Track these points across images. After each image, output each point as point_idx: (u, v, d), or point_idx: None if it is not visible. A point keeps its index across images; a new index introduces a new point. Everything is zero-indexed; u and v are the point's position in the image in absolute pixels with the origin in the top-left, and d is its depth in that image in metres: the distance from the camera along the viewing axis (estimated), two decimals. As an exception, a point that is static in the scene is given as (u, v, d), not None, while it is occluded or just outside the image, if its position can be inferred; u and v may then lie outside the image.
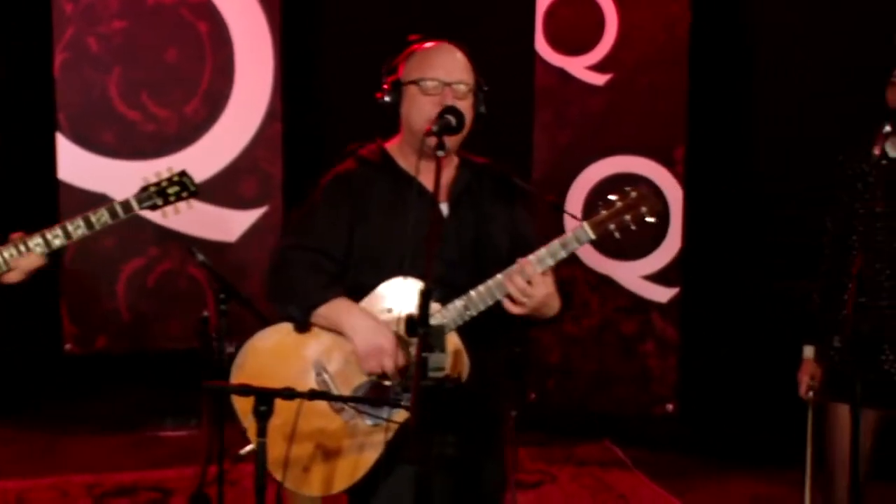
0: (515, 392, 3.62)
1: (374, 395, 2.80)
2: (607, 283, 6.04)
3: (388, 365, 2.78)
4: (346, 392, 2.82)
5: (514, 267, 2.74)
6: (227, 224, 6.54)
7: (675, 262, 5.91)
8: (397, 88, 2.89)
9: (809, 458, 3.58)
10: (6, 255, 2.95)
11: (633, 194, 2.80)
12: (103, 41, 6.37)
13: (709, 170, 5.82)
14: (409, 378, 2.69)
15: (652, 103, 5.87)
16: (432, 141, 2.70)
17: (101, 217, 3.01)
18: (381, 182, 2.92)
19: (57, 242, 2.99)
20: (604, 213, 2.79)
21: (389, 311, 2.83)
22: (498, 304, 2.77)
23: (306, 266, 2.88)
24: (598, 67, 5.97)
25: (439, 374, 2.44)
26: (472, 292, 2.77)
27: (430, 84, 2.85)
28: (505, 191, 3.00)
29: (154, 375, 6.45)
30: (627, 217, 2.78)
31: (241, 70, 6.55)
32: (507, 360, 3.26)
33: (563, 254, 2.77)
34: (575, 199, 5.96)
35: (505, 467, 3.10)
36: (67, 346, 6.45)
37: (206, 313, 3.96)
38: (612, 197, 2.80)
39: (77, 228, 3.00)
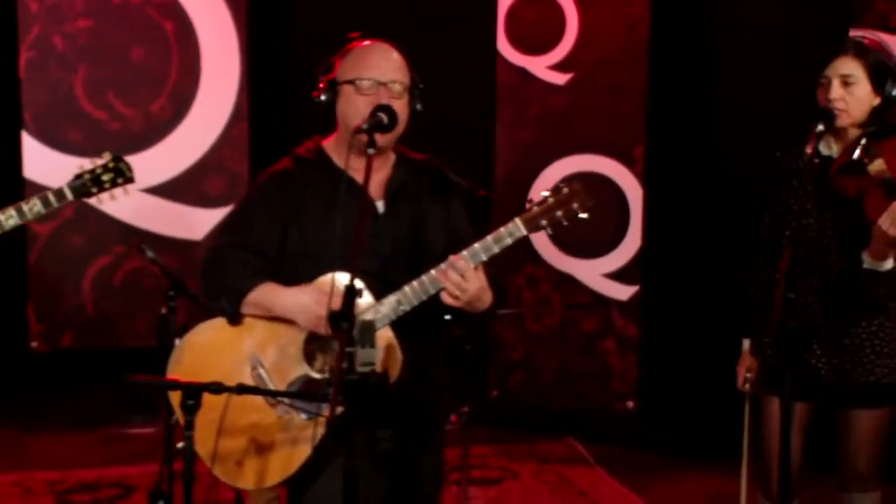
0: (460, 389, 3.63)
1: (307, 390, 2.82)
2: (568, 280, 6.09)
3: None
4: (282, 386, 2.84)
5: (447, 262, 2.78)
6: (193, 222, 6.54)
7: (635, 260, 5.97)
8: (333, 87, 2.93)
9: (746, 449, 3.64)
10: None
11: (566, 191, 2.84)
12: (69, 40, 6.36)
13: (668, 169, 5.85)
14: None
15: (612, 103, 5.91)
16: (363, 138, 2.74)
17: (33, 206, 3.00)
18: (316, 179, 2.95)
19: None
20: (536, 209, 2.84)
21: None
22: (434, 300, 2.80)
23: (234, 262, 2.91)
24: (559, 67, 6.02)
25: (367, 370, 2.48)
26: (406, 287, 2.80)
27: (365, 84, 2.88)
28: (441, 187, 3.03)
29: (120, 373, 6.41)
30: (559, 213, 2.82)
31: (207, 69, 6.55)
32: (455, 358, 3.29)
33: (496, 249, 2.80)
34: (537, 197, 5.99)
35: (442, 464, 3.12)
36: (33, 344, 6.44)
37: (164, 311, 3.98)
38: (544, 193, 2.86)
39: (9, 218, 2.98)
